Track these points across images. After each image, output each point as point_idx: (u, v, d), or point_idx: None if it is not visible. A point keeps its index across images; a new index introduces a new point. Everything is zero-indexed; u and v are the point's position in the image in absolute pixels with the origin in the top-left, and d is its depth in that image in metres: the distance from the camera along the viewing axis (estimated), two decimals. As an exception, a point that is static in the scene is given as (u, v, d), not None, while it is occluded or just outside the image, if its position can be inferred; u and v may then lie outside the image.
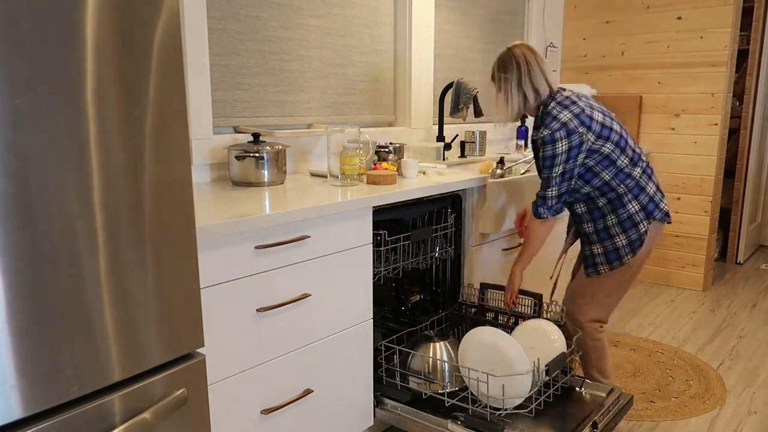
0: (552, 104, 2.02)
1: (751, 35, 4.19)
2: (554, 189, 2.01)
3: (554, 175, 1.99)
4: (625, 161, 2.02)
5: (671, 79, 3.75)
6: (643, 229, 2.04)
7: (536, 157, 2.10)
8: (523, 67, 2.05)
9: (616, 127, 2.03)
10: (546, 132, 1.98)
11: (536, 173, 2.40)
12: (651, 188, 2.06)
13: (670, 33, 3.71)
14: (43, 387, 0.98)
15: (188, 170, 1.16)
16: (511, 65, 2.06)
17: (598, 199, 2.06)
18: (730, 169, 4.57)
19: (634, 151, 2.05)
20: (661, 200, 2.08)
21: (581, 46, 4.06)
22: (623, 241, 2.05)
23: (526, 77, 2.05)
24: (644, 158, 2.08)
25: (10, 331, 0.93)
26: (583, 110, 1.99)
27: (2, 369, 0.93)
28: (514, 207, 2.48)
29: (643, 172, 2.06)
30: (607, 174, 2.01)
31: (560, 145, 1.96)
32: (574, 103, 2.01)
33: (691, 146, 3.75)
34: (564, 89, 2.12)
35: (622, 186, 2.02)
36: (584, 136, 1.97)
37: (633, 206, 2.03)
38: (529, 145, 2.33)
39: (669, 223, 2.12)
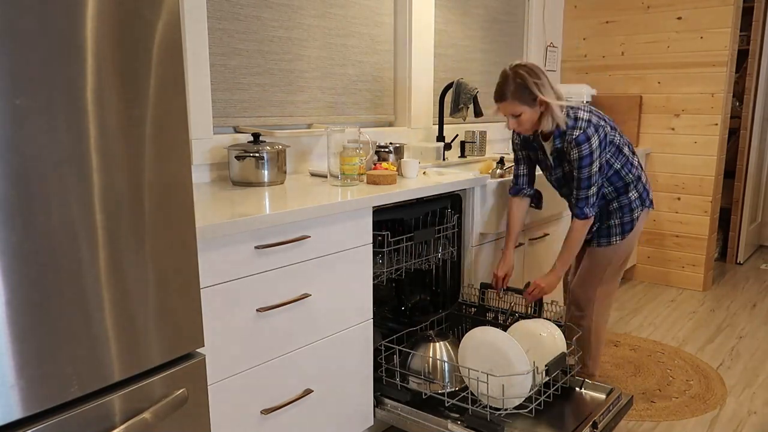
0: (564, 110, 2.05)
1: (751, 35, 4.18)
2: (594, 187, 2.07)
3: (593, 172, 2.04)
4: (627, 151, 2.17)
5: (671, 79, 3.75)
6: (636, 216, 2.20)
7: (566, 161, 2.12)
8: (545, 74, 2.04)
9: (611, 122, 2.15)
10: (577, 132, 2.01)
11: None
12: (644, 178, 2.23)
13: (670, 33, 3.71)
14: (43, 387, 0.98)
15: (188, 170, 1.16)
16: (537, 71, 2.01)
17: (604, 187, 2.17)
18: (730, 169, 4.57)
19: (629, 144, 2.20)
20: (650, 189, 2.26)
21: (581, 46, 4.06)
22: (617, 222, 2.20)
23: (551, 82, 2.05)
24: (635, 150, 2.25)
25: (11, 331, 0.93)
26: (591, 110, 2.10)
27: (2, 369, 0.93)
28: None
29: (639, 162, 2.22)
30: (617, 163, 2.14)
31: (594, 140, 2.01)
32: (577, 105, 2.09)
33: (691, 146, 3.75)
34: None
35: (630, 175, 2.17)
36: (605, 128, 2.06)
37: (632, 194, 2.18)
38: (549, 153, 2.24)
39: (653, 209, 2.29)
